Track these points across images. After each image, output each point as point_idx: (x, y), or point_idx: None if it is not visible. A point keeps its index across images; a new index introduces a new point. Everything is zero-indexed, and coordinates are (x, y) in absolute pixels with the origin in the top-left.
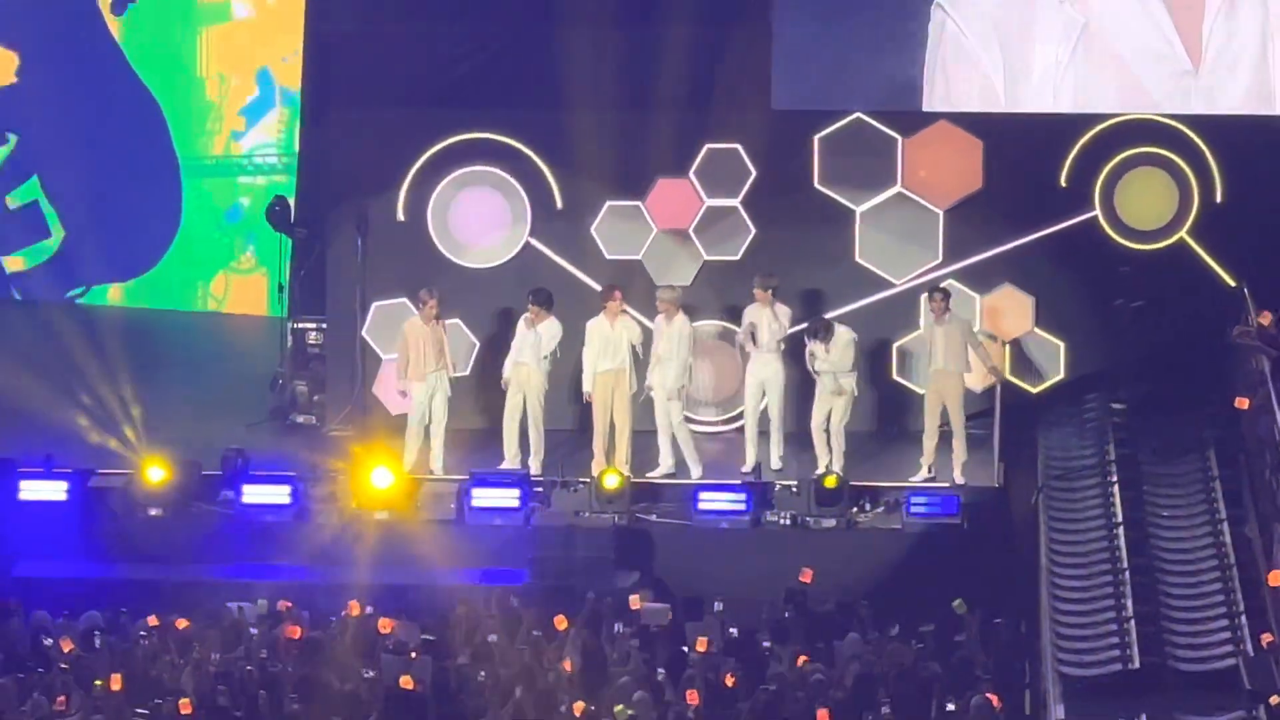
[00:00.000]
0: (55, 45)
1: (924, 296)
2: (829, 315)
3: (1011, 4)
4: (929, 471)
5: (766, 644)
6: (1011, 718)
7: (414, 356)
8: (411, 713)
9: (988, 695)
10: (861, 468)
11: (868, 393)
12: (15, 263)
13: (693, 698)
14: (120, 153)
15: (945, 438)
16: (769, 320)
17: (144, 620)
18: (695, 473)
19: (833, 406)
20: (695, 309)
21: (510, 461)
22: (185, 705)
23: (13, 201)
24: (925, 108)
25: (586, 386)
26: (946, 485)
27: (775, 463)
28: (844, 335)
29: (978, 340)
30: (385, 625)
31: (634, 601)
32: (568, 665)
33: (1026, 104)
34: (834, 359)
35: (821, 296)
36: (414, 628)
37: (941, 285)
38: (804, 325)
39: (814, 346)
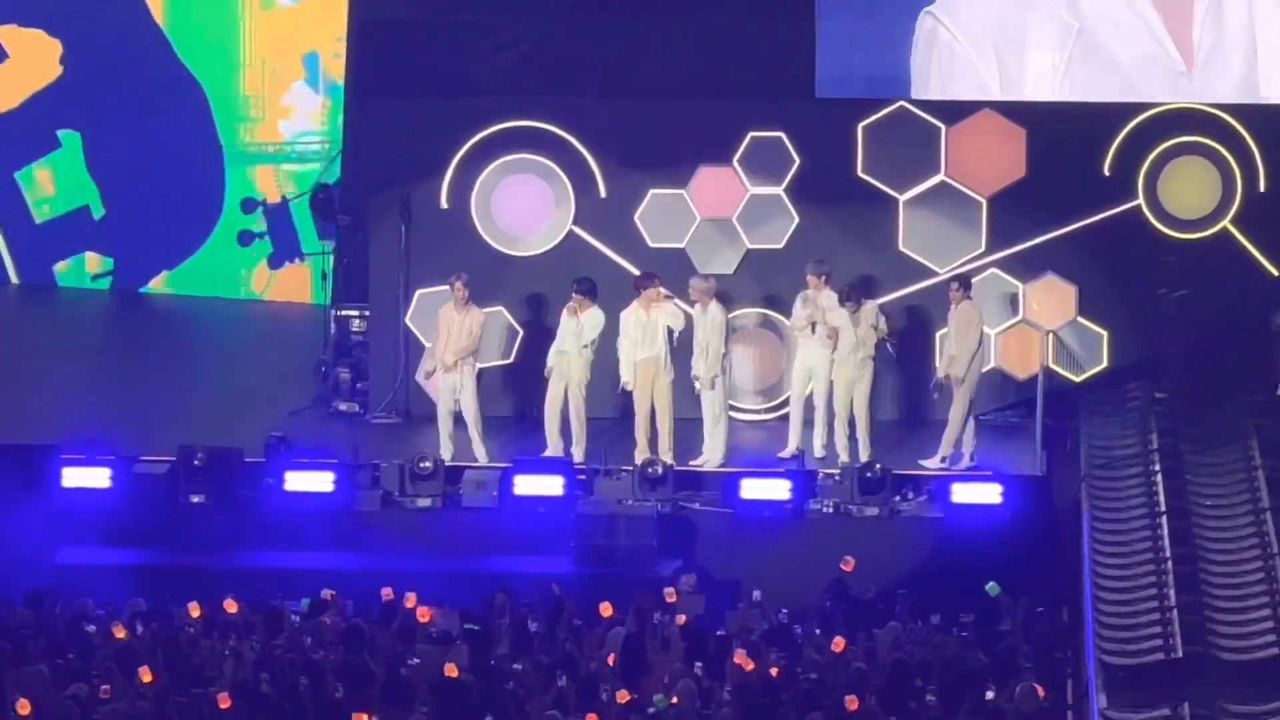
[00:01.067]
0: (99, 32)
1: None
2: (871, 303)
3: (1005, 12)
4: (970, 459)
5: (799, 629)
6: (1054, 706)
7: (439, 342)
8: (454, 701)
9: (1033, 684)
10: (897, 455)
11: (906, 380)
12: (63, 266)
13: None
14: (164, 140)
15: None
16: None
17: (187, 608)
18: (713, 461)
19: (856, 387)
20: (738, 297)
21: (553, 450)
22: (224, 700)
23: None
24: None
25: (625, 376)
26: (989, 473)
27: (819, 450)
28: (872, 306)
29: (968, 324)
30: (424, 614)
31: (670, 594)
32: (612, 660)
33: None
34: (863, 330)
35: (865, 285)
36: (453, 616)
37: (961, 274)
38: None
39: (847, 313)
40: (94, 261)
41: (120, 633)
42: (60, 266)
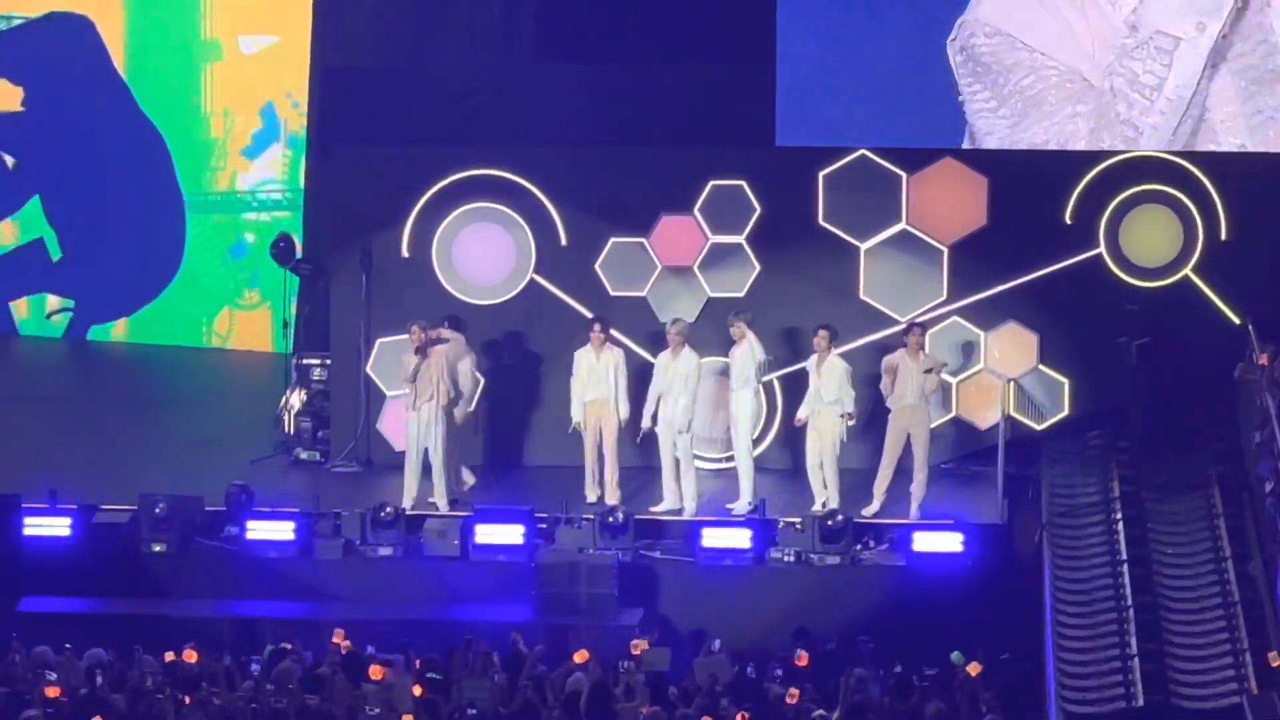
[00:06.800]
0: (61, 81)
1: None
2: (835, 352)
3: None
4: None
5: (752, 673)
6: None
7: (409, 387)
8: None
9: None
10: (859, 504)
11: (869, 428)
12: (21, 307)
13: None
14: (125, 188)
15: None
16: (741, 354)
17: (147, 658)
18: (689, 509)
19: (824, 442)
20: (700, 345)
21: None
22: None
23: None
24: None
25: (575, 416)
26: (950, 521)
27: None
28: (840, 364)
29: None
30: (377, 673)
31: (636, 647)
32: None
33: None
34: (834, 388)
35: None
36: (405, 675)
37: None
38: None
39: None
40: (53, 301)
41: (53, 692)
42: (20, 314)
